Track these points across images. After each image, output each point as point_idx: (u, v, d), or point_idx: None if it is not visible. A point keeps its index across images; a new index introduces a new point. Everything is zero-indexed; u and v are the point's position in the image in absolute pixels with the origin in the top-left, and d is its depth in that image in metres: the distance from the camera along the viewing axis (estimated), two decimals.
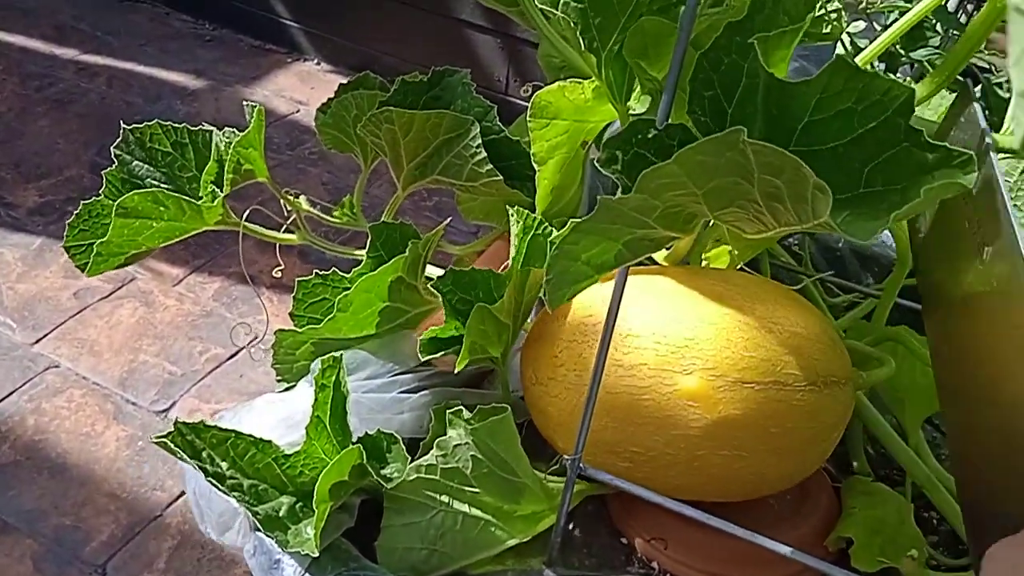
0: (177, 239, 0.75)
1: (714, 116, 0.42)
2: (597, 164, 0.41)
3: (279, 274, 0.91)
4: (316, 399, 0.50)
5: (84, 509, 1.13)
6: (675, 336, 0.54)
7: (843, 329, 0.72)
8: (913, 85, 0.44)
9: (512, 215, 0.56)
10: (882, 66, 0.67)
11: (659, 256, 0.65)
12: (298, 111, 2.03)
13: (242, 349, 1.37)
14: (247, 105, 0.73)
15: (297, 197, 0.82)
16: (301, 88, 2.12)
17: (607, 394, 0.55)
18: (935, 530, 0.67)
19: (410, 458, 0.54)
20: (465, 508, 0.56)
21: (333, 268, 0.62)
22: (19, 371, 1.31)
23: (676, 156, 0.36)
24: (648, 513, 0.63)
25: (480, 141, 0.68)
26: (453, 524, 0.56)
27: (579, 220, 0.39)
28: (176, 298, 1.48)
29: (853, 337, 0.69)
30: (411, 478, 0.53)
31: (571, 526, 0.64)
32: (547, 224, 0.57)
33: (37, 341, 1.37)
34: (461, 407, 0.54)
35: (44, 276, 1.48)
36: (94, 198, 0.74)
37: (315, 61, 2.23)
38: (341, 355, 0.50)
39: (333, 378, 0.50)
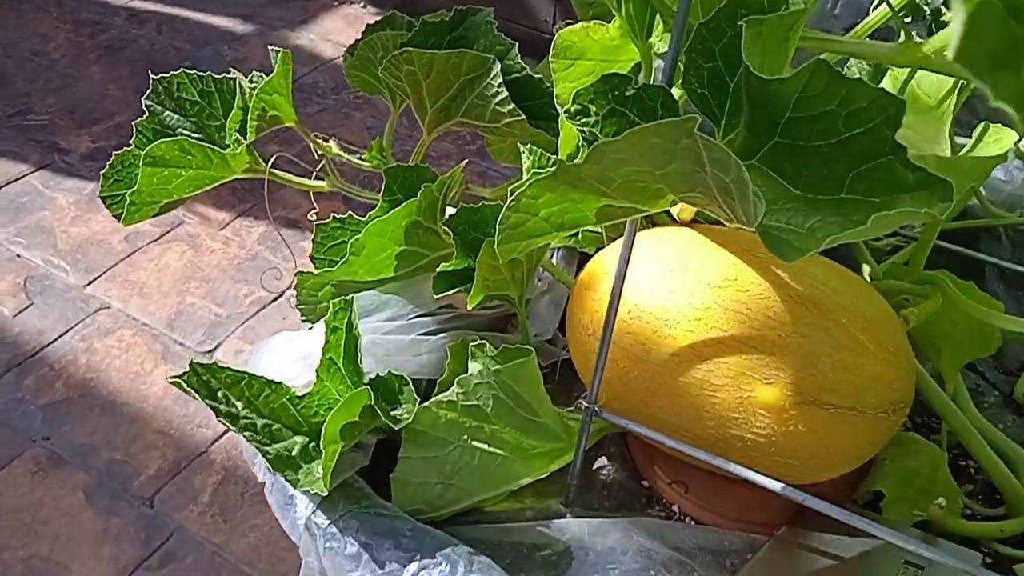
0: (208, 187, 0.75)
1: (713, 89, 0.41)
2: (564, 113, 0.40)
3: (314, 217, 0.91)
4: (328, 341, 0.51)
5: (133, 445, 1.18)
6: (767, 342, 0.52)
7: (883, 273, 0.70)
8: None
9: (524, 152, 0.55)
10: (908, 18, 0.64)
11: (674, 210, 0.63)
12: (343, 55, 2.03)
13: (287, 290, 1.39)
14: (272, 50, 0.72)
15: (327, 141, 0.82)
16: (347, 31, 2.11)
17: (674, 380, 0.54)
18: (972, 479, 0.65)
19: (428, 399, 0.55)
20: (484, 445, 0.56)
21: (349, 212, 0.62)
22: (72, 312, 1.36)
23: (626, 135, 0.34)
24: (670, 458, 0.62)
25: (501, 80, 0.67)
26: (471, 459, 0.56)
27: (539, 175, 0.38)
28: (223, 242, 1.50)
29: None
30: (430, 414, 0.53)
31: (592, 467, 0.65)
32: (561, 163, 0.55)
33: (89, 283, 1.41)
34: (484, 341, 0.54)
35: (96, 220, 1.52)
36: (126, 148, 0.75)
37: (361, 4, 2.22)
38: (352, 297, 0.50)
39: (345, 320, 0.50)
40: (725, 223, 0.56)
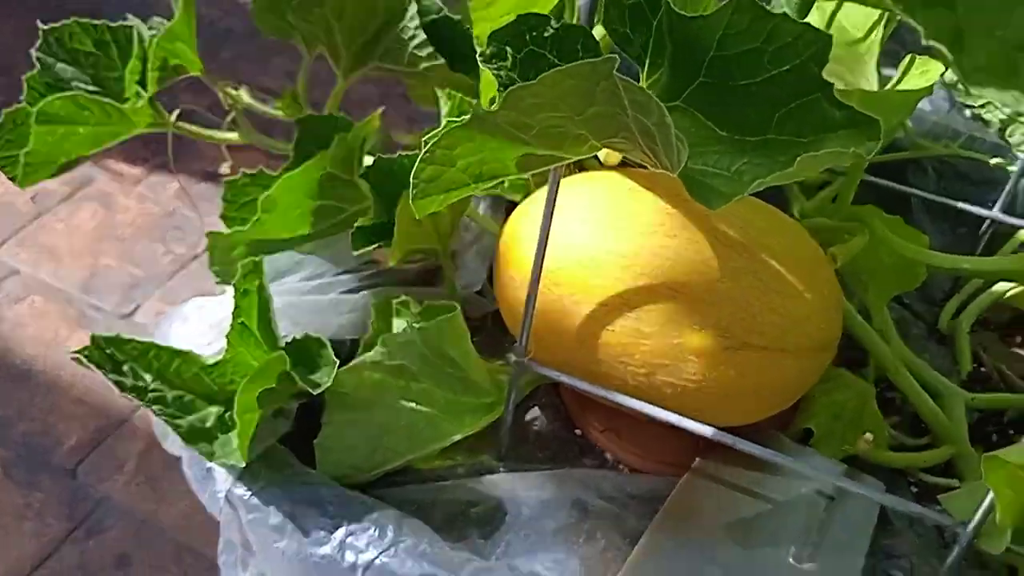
0: (110, 144, 0.71)
1: (635, 28, 0.39)
2: (479, 58, 0.38)
3: (227, 171, 0.87)
4: (238, 305, 0.48)
5: (51, 415, 1.13)
6: (697, 287, 0.51)
7: (812, 209, 0.70)
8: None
9: (441, 96, 0.52)
10: None
11: (601, 154, 0.61)
12: None
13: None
14: None
15: (238, 90, 0.78)
16: None
17: (603, 329, 0.52)
18: (898, 411, 0.66)
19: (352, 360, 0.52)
20: (411, 404, 0.54)
21: (260, 167, 0.58)
22: None
23: (541, 78, 0.32)
24: (602, 406, 0.61)
25: (418, 22, 0.63)
26: (398, 420, 0.54)
27: (455, 124, 0.36)
28: (137, 199, 1.44)
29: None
30: (353, 376, 0.51)
31: (525, 419, 0.64)
32: (480, 107, 0.53)
33: None
34: (408, 298, 0.52)
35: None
36: (16, 106, 0.70)
37: None
38: (262, 258, 0.47)
39: (256, 282, 0.47)
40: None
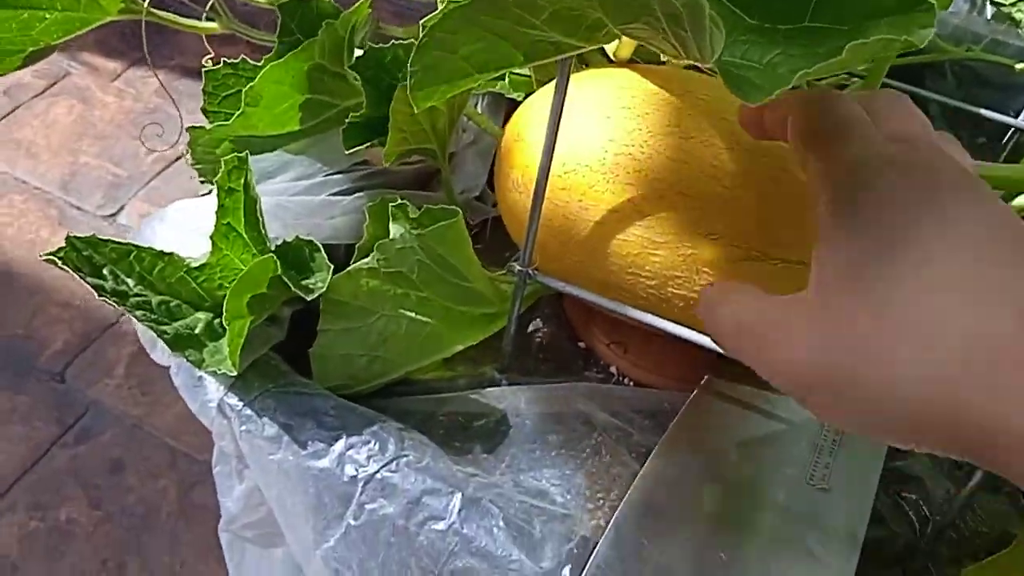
0: (81, 32, 0.66)
1: None
2: None
3: (208, 63, 0.82)
4: (223, 204, 0.45)
5: (36, 319, 1.10)
6: (713, 194, 0.47)
7: None
8: None
9: None
10: None
11: (610, 49, 0.57)
12: None
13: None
14: None
15: None
16: None
17: (613, 238, 0.49)
18: None
19: (348, 265, 0.49)
20: (411, 313, 0.51)
21: (243, 56, 0.54)
22: None
23: None
24: (608, 318, 0.59)
25: None
26: (397, 329, 0.51)
27: (457, 5, 0.32)
28: (115, 94, 1.38)
29: None
30: (350, 283, 0.48)
31: (527, 330, 0.61)
32: None
33: None
34: (405, 202, 0.48)
35: None
36: None
37: None
38: (246, 153, 0.44)
39: (241, 180, 0.44)
40: (672, 61, 0.50)
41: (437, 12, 0.34)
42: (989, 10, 0.82)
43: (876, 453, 0.50)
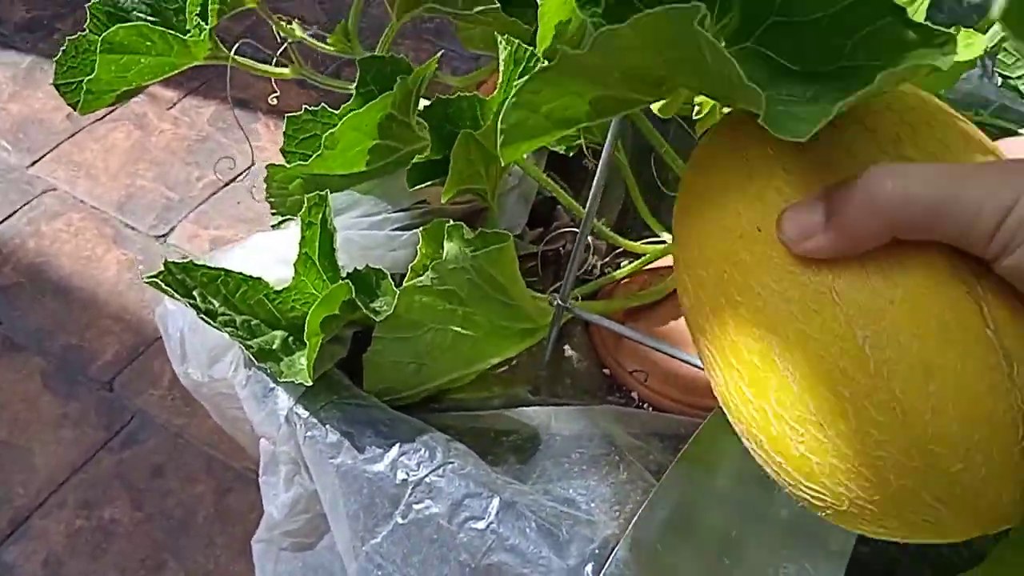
0: (170, 74, 0.73)
1: None
2: (576, 3, 0.39)
3: (275, 101, 0.89)
4: (303, 236, 0.51)
5: (89, 330, 1.17)
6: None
7: None
8: None
9: (501, 43, 0.54)
10: None
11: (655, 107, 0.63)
12: None
13: (242, 174, 1.37)
14: None
15: (290, 24, 0.80)
16: None
17: None
18: None
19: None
20: (457, 328, 0.56)
21: (322, 104, 0.61)
22: (17, 193, 1.32)
23: (631, 21, 0.34)
24: (632, 348, 0.65)
25: None
26: (443, 341, 0.56)
27: (542, 67, 0.37)
28: (171, 122, 1.46)
29: None
30: (404, 299, 0.53)
31: (557, 356, 0.67)
32: (538, 57, 0.55)
33: (33, 163, 1.37)
34: (460, 223, 0.53)
35: (36, 97, 1.46)
36: (80, 34, 0.72)
37: None
38: (327, 193, 0.50)
39: (320, 215, 0.51)
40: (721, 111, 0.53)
41: (505, 71, 0.38)
42: (998, 80, 0.87)
43: None
